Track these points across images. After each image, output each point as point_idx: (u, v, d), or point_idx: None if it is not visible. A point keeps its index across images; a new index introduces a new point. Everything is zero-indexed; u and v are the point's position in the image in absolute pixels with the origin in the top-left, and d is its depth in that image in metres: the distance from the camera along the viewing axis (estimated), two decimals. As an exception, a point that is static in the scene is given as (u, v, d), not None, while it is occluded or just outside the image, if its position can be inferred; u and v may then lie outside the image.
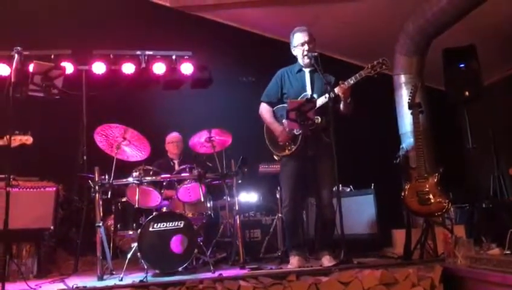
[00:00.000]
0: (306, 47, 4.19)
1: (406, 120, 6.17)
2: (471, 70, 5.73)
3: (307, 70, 4.28)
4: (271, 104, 4.32)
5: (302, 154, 4.12)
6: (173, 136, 5.64)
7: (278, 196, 5.57)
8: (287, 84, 4.29)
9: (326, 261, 4.04)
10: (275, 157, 4.32)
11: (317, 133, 4.10)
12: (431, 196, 4.22)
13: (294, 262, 4.10)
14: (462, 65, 5.78)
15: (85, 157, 5.75)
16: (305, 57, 4.18)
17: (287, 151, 4.16)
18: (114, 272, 4.32)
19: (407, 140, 6.01)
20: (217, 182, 4.88)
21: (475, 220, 5.29)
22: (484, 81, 5.95)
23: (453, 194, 5.09)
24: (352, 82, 4.00)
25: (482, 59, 5.68)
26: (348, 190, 5.87)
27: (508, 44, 6.27)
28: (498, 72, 7.05)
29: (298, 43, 4.23)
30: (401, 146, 5.88)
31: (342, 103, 4.07)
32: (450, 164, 4.60)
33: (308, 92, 4.19)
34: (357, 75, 4.01)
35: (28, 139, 4.28)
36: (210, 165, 4.96)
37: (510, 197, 5.84)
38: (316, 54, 4.18)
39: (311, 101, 4.04)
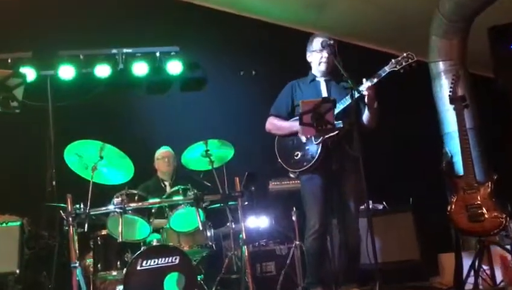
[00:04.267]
0: (325, 54, 4.31)
1: (448, 117, 6.15)
2: (526, 51, 5.73)
3: (321, 80, 4.42)
4: (281, 118, 4.42)
5: (325, 167, 4.15)
6: (163, 152, 5.67)
7: (294, 219, 5.56)
8: (298, 95, 4.40)
9: (356, 296, 4.03)
10: (291, 174, 4.38)
11: (341, 143, 4.13)
12: (484, 210, 4.21)
13: (318, 300, 4.10)
14: (513, 46, 5.79)
15: (54, 183, 5.78)
16: (321, 64, 4.34)
17: (305, 163, 4.18)
18: (96, 323, 4.33)
19: (451, 142, 5.99)
20: (218, 205, 4.89)
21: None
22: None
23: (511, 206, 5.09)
24: (376, 80, 4.09)
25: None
26: (381, 207, 5.86)
27: None
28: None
29: (316, 47, 4.36)
30: (444, 150, 5.88)
31: (367, 108, 4.14)
32: (506, 169, 4.60)
33: None
34: (381, 71, 4.13)
35: None
36: (208, 185, 4.98)
37: None
38: (331, 41, 4.25)
39: (329, 100, 4.06)
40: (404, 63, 4.10)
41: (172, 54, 6.62)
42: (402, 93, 6.31)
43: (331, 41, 4.26)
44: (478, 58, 6.28)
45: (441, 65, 6.35)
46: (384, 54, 6.82)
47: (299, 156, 4.24)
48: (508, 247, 4.44)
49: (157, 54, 6.60)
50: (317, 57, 4.38)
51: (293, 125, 4.24)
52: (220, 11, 7.12)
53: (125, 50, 6.50)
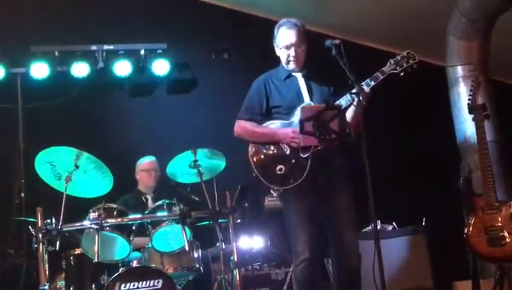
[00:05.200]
0: (293, 52, 4.23)
1: (466, 128, 6.19)
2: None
3: (298, 76, 4.32)
4: (254, 122, 4.31)
5: (312, 184, 4.11)
6: (147, 163, 5.69)
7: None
8: (274, 95, 4.30)
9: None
10: (273, 192, 4.29)
11: (328, 154, 4.10)
12: (505, 233, 4.24)
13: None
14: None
15: (23, 195, 5.78)
16: (290, 62, 4.25)
17: (292, 180, 4.13)
18: None
19: (469, 156, 6.02)
20: (207, 222, 4.90)
21: None
22: None
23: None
24: (373, 83, 4.06)
25: None
26: (390, 228, 5.87)
27: None
28: None
29: (282, 44, 4.27)
30: (461, 164, 5.90)
31: (353, 110, 4.11)
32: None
33: (307, 101, 4.22)
34: (378, 73, 4.08)
35: None
36: (196, 199, 4.99)
37: None
38: (337, 41, 4.21)
39: (334, 107, 4.07)
40: (404, 64, 4.07)
41: (159, 52, 6.64)
42: (416, 101, 6.35)
43: (337, 41, 4.20)
44: (501, 63, 6.32)
45: (460, 70, 6.38)
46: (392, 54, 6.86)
47: (283, 170, 4.09)
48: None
49: (142, 52, 6.62)
50: (283, 55, 4.27)
51: (277, 132, 4.14)
52: (215, 5, 7.14)
53: (106, 47, 6.51)
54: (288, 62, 4.26)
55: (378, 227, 4.10)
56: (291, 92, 4.27)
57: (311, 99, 4.23)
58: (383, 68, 4.10)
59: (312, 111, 4.05)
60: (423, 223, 5.55)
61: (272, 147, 4.17)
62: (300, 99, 4.23)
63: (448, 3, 6.20)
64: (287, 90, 4.29)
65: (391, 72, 4.08)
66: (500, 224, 4.26)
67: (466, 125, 6.16)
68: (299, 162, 4.08)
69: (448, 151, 6.36)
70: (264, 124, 4.27)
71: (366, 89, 4.02)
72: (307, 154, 4.05)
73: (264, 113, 4.30)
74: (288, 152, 4.12)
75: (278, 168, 4.12)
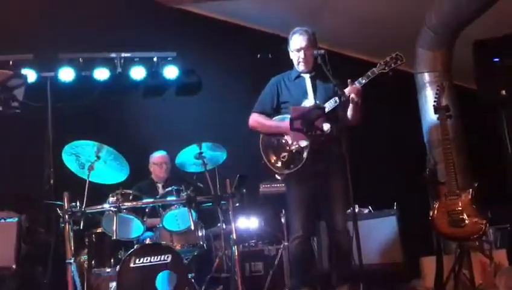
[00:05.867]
0: (302, 54, 4.23)
1: (432, 126, 6.19)
2: (507, 65, 5.75)
3: (306, 76, 4.31)
4: (265, 115, 4.32)
5: (311, 170, 4.11)
6: (159, 157, 5.67)
7: (283, 221, 5.58)
8: (284, 92, 4.30)
9: (349, 296, 4.01)
10: (277, 176, 4.28)
11: (327, 145, 4.09)
12: (465, 216, 4.23)
13: (303, 301, 4.09)
14: (496, 60, 5.80)
15: (52, 182, 5.77)
16: (300, 64, 4.25)
17: (292, 166, 4.15)
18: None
19: (434, 150, 6.03)
20: (210, 205, 4.89)
21: (519, 243, 5.30)
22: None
23: (491, 212, 5.10)
24: (364, 81, 4.02)
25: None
26: (366, 211, 5.88)
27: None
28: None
29: (294, 48, 4.28)
30: (427, 157, 5.90)
31: (351, 107, 4.08)
32: (487, 176, 4.63)
33: (311, 99, 4.21)
34: (369, 73, 4.04)
35: None
36: (201, 186, 4.98)
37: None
38: (322, 51, 4.20)
39: (319, 107, 4.06)
40: (393, 65, 4.02)
41: (169, 59, 6.64)
42: (390, 103, 6.34)
43: (322, 51, 4.20)
44: (463, 71, 6.31)
45: (427, 76, 6.38)
46: (369, 63, 6.84)
47: (286, 157, 4.13)
48: (487, 251, 4.47)
49: (155, 59, 6.62)
50: (295, 57, 4.29)
51: (281, 125, 4.14)
52: (216, 19, 7.13)
53: (123, 54, 6.51)
54: (298, 63, 4.27)
55: (357, 210, 4.08)
56: (298, 91, 4.27)
57: (315, 97, 4.21)
58: (374, 68, 4.05)
59: (300, 111, 4.05)
60: (395, 207, 5.56)
61: (278, 138, 4.18)
62: (306, 97, 4.22)
63: (416, 21, 6.20)
64: (295, 88, 4.29)
65: (381, 71, 4.03)
66: (460, 208, 4.26)
67: (432, 124, 6.18)
68: (299, 150, 4.09)
69: (417, 146, 6.36)
70: (273, 118, 4.26)
71: (358, 86, 4.00)
72: (306, 144, 4.06)
73: (275, 107, 4.30)
74: (290, 142, 4.13)
75: (281, 155, 4.15)
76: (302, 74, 4.31)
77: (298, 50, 4.24)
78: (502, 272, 3.65)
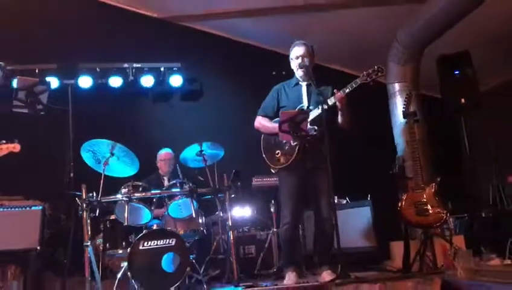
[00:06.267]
0: (300, 60, 4.25)
1: (401, 129, 6.21)
2: (467, 77, 5.79)
3: (303, 84, 4.32)
4: (267, 118, 4.35)
5: (301, 166, 4.14)
6: (164, 154, 5.65)
7: (272, 210, 5.60)
8: (283, 98, 4.33)
9: (328, 275, 4.02)
10: (272, 170, 4.31)
11: (316, 145, 4.11)
12: (429, 207, 4.26)
13: (290, 278, 4.10)
14: (457, 72, 5.84)
15: (72, 175, 5.74)
16: (299, 70, 4.26)
17: (283, 162, 4.16)
18: (103, 293, 4.30)
19: (403, 149, 6.05)
20: (209, 196, 4.89)
21: (474, 230, 5.32)
22: (481, 88, 6.01)
23: (451, 204, 5.14)
24: (347, 90, 4.03)
25: (478, 65, 5.74)
26: (344, 202, 5.89)
27: (503, 49, 6.36)
28: (495, 78, 7.13)
29: (294, 56, 4.32)
30: (397, 156, 5.93)
31: (340, 113, 4.11)
32: (448, 173, 4.65)
33: (305, 104, 4.23)
34: (353, 83, 4.04)
35: (15, 147, 4.20)
36: (202, 179, 4.98)
37: (510, 206, 5.88)
38: (307, 63, 4.23)
39: (304, 112, 4.08)
40: (374, 76, 4.01)
41: (174, 69, 6.65)
42: (366, 109, 6.33)
43: (306, 64, 4.24)
44: (429, 82, 6.35)
45: (396, 86, 6.39)
46: (349, 74, 6.88)
47: (279, 154, 4.19)
48: (448, 237, 4.50)
49: (162, 69, 6.62)
50: (294, 64, 4.32)
51: (276, 127, 4.15)
52: (216, 35, 7.11)
53: (135, 65, 6.53)
54: (297, 70, 4.29)
55: (336, 201, 4.10)
56: (295, 97, 4.29)
57: (309, 103, 4.23)
58: (357, 79, 4.03)
59: (287, 115, 4.07)
60: (369, 199, 5.58)
61: (275, 138, 4.23)
62: (300, 102, 4.24)
63: (389, 36, 6.22)
64: (293, 94, 4.32)
65: (363, 82, 4.02)
66: (425, 200, 4.28)
67: (401, 127, 6.20)
68: (290, 149, 4.12)
69: (389, 146, 6.38)
70: (274, 120, 4.29)
71: (343, 94, 4.01)
72: (296, 143, 4.08)
73: (276, 111, 4.32)
74: (283, 141, 4.16)
75: (276, 152, 4.21)
76: (300, 82, 4.33)
77: (297, 57, 4.27)
78: (460, 255, 3.67)
